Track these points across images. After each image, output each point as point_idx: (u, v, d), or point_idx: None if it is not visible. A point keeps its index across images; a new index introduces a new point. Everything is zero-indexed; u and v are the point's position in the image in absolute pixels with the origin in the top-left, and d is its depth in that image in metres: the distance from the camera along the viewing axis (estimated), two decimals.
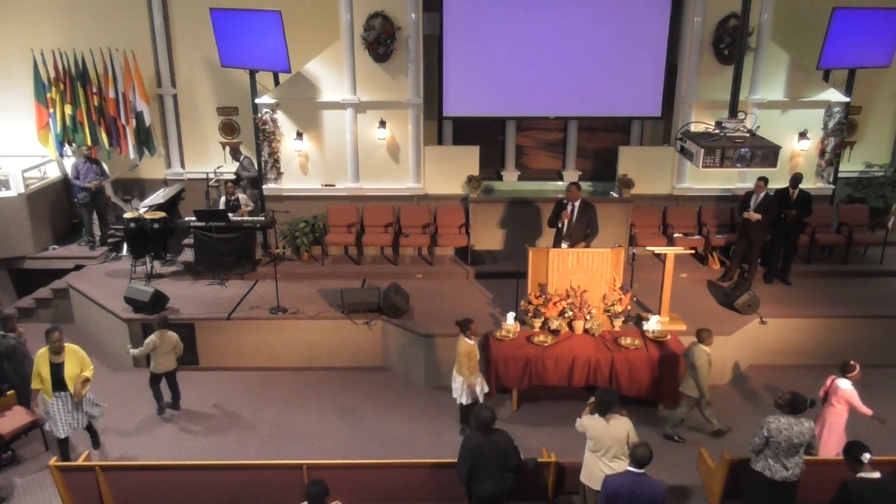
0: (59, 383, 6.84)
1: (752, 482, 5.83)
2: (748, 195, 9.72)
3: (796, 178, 9.74)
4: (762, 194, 9.55)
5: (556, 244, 8.99)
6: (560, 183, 11.64)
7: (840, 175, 11.39)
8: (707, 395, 7.32)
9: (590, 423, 5.70)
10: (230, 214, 10.24)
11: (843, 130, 10.97)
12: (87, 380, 7.00)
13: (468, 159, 10.97)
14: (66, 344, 6.93)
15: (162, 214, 10.18)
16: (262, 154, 10.74)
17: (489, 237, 10.80)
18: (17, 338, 7.62)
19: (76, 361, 6.94)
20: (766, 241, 9.91)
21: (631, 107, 10.91)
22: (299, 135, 10.67)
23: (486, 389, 7.56)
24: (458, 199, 11.03)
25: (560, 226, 9.02)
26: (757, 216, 9.53)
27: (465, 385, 7.34)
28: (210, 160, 12.00)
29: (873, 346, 9.12)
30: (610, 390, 5.92)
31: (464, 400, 7.41)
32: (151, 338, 7.80)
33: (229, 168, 11.50)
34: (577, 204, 8.97)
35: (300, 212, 10.76)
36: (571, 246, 8.84)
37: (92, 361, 8.89)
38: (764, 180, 9.52)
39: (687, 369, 7.40)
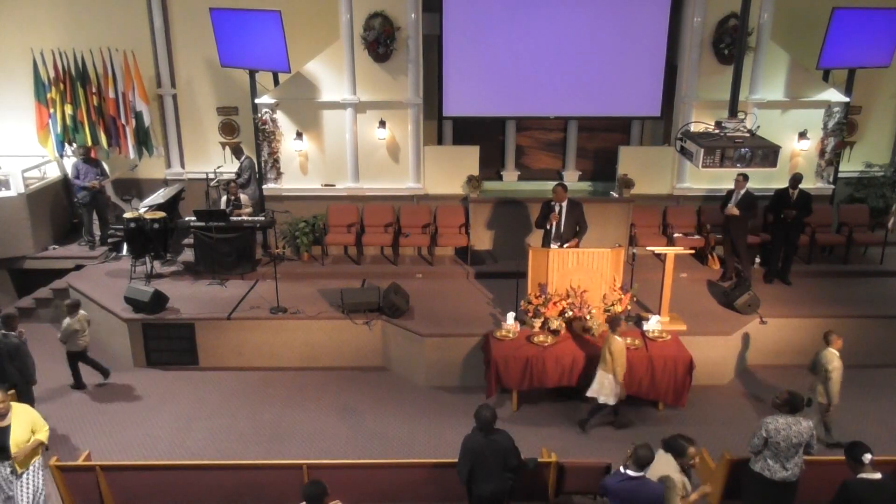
0: (1, 451, 5.69)
1: (752, 483, 5.83)
2: (730, 192, 9.74)
3: (796, 179, 9.74)
4: (742, 191, 9.57)
5: (545, 245, 8.99)
6: (563, 182, 11.64)
7: (840, 175, 11.39)
8: (836, 401, 7.11)
9: None
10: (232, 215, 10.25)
11: (843, 130, 10.97)
12: (40, 444, 5.88)
13: (468, 159, 10.97)
14: (13, 403, 5.88)
15: (162, 214, 10.18)
16: (262, 154, 10.74)
17: (489, 237, 10.80)
18: (18, 337, 7.62)
19: (26, 424, 5.80)
20: (746, 239, 9.90)
21: (631, 107, 10.91)
22: (299, 135, 10.67)
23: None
24: (458, 199, 11.04)
25: (549, 227, 9.04)
26: (736, 211, 9.54)
27: (615, 384, 7.35)
28: (210, 160, 12.00)
29: (873, 346, 9.12)
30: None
31: (612, 400, 7.42)
32: (70, 323, 8.21)
33: (230, 168, 11.50)
34: (564, 204, 8.99)
35: (300, 212, 10.76)
36: (562, 246, 8.87)
37: None
38: (744, 177, 9.52)
39: (817, 374, 7.18)
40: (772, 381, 8.73)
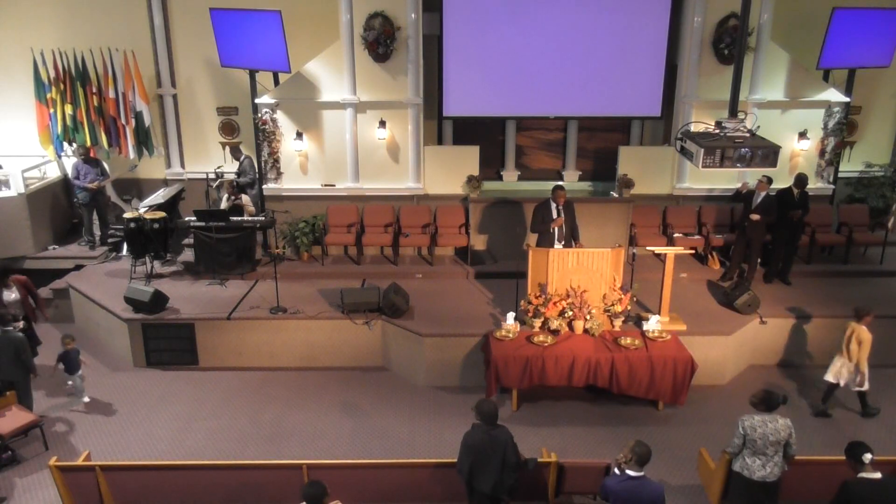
0: None
1: (733, 482, 5.88)
2: (749, 193, 9.71)
3: (801, 179, 9.71)
4: (763, 194, 9.55)
5: (546, 247, 8.99)
6: (562, 184, 11.63)
7: (840, 175, 11.39)
8: None
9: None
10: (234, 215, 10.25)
11: (843, 130, 10.97)
12: None
13: (468, 159, 10.97)
14: None
15: (162, 214, 10.19)
16: (262, 154, 10.74)
17: (489, 237, 10.81)
18: (18, 330, 7.63)
19: None
20: (764, 241, 9.90)
21: (631, 107, 10.92)
22: (299, 135, 10.67)
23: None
24: (458, 199, 11.04)
25: (552, 231, 9.04)
26: (757, 217, 9.53)
27: (861, 370, 7.71)
28: (210, 160, 12.01)
29: (873, 346, 9.06)
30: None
31: (866, 385, 7.84)
32: None
33: (229, 168, 11.50)
34: (561, 207, 9.01)
35: (300, 212, 10.76)
36: (566, 247, 8.91)
37: (92, 361, 8.93)
38: (768, 179, 9.51)
39: None
40: (772, 381, 8.73)
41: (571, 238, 9.17)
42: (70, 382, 8.26)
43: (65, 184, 11.67)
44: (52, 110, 10.96)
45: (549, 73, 10.65)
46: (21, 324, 7.92)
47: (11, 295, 8.45)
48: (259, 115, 10.56)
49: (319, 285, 10.01)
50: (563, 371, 7.95)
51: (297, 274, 10.27)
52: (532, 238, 9.63)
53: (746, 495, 5.76)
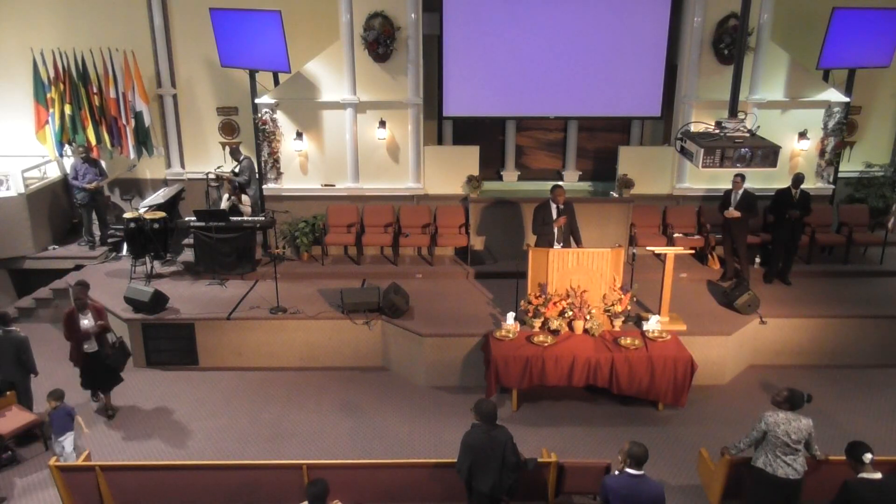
0: None
1: (755, 480, 5.82)
2: (728, 193, 9.75)
3: (798, 179, 9.73)
4: (741, 191, 9.58)
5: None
6: (561, 183, 11.63)
7: (840, 175, 11.39)
8: None
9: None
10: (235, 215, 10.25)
11: (843, 130, 10.97)
12: None
13: (468, 159, 10.97)
14: None
15: (162, 214, 10.19)
16: (262, 154, 10.74)
17: (489, 237, 10.81)
18: (17, 331, 7.63)
19: None
20: (747, 239, 9.89)
21: (631, 107, 10.91)
22: (299, 135, 10.67)
23: None
24: (458, 199, 11.04)
25: (554, 231, 9.04)
26: (736, 213, 9.55)
27: None
28: (210, 160, 12.01)
29: (873, 346, 9.13)
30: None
31: None
32: None
33: (228, 168, 11.49)
34: (562, 206, 9.01)
35: (300, 212, 10.76)
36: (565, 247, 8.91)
37: None
38: (741, 177, 9.53)
39: None
40: (772, 381, 8.73)
41: (571, 239, 9.16)
42: (58, 447, 6.77)
43: (65, 184, 11.67)
44: (50, 110, 10.96)
45: (549, 73, 10.65)
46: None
47: (89, 321, 7.65)
48: (259, 115, 10.56)
49: (319, 285, 10.01)
50: (563, 371, 7.95)
51: (297, 274, 10.27)
52: (532, 239, 9.63)
53: (769, 493, 5.72)
